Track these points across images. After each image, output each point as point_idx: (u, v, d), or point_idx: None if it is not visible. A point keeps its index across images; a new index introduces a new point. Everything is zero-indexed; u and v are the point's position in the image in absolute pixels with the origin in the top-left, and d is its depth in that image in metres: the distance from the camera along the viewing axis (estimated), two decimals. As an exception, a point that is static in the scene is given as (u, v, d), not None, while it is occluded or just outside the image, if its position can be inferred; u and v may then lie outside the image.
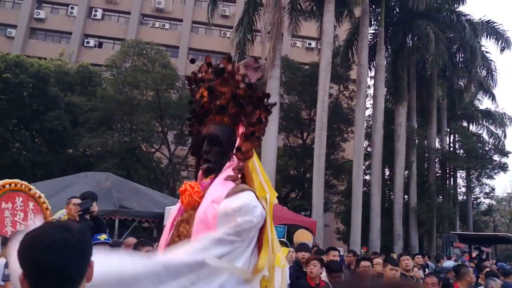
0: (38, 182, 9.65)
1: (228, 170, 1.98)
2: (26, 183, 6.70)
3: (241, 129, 2.08)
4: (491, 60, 22.93)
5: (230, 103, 2.06)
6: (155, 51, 21.45)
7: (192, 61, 2.41)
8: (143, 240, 4.80)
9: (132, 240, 5.13)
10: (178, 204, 2.10)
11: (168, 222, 2.12)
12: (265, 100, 2.12)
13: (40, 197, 6.75)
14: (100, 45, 31.54)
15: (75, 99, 20.19)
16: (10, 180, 6.46)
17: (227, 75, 2.08)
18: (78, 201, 5.06)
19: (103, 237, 4.30)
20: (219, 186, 1.92)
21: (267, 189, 2.02)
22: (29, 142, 20.34)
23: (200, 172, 2.09)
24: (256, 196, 1.92)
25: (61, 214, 7.55)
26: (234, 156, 2.02)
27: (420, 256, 8.08)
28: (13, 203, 6.29)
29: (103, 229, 5.04)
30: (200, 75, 2.16)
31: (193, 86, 2.17)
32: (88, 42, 30.87)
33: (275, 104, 2.16)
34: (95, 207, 4.98)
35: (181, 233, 1.93)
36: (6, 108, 18.79)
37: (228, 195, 1.86)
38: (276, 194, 2.10)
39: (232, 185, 1.92)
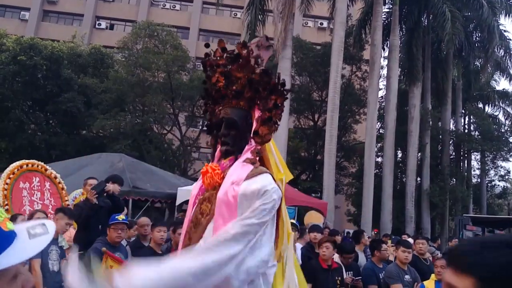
0: (53, 163, 9.82)
1: (247, 154, 2.05)
2: (42, 163, 6.85)
3: (257, 113, 2.14)
4: (510, 39, 22.32)
5: (246, 88, 2.12)
6: (166, 32, 21.36)
7: (207, 45, 2.42)
8: (157, 222, 4.94)
9: (145, 220, 5.22)
10: (198, 183, 2.18)
11: (190, 199, 2.22)
12: (280, 85, 2.16)
13: (56, 177, 6.91)
14: (111, 27, 31.51)
15: (88, 81, 20.34)
16: (27, 161, 6.61)
17: (242, 60, 2.13)
18: (94, 181, 5.23)
19: (121, 217, 4.42)
20: (239, 168, 2.00)
21: (282, 170, 2.06)
22: (44, 123, 20.64)
23: (218, 152, 2.18)
24: (273, 178, 1.98)
25: (76, 194, 7.73)
26: (252, 139, 2.09)
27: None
28: (30, 183, 6.45)
29: (120, 207, 5.19)
30: (214, 59, 2.21)
31: (208, 70, 2.23)
32: (99, 24, 30.86)
33: (290, 90, 2.20)
34: (109, 186, 5.12)
35: (204, 211, 2.03)
36: (21, 90, 19.06)
37: (247, 177, 1.93)
38: (292, 177, 2.13)
39: (251, 167, 1.98)
